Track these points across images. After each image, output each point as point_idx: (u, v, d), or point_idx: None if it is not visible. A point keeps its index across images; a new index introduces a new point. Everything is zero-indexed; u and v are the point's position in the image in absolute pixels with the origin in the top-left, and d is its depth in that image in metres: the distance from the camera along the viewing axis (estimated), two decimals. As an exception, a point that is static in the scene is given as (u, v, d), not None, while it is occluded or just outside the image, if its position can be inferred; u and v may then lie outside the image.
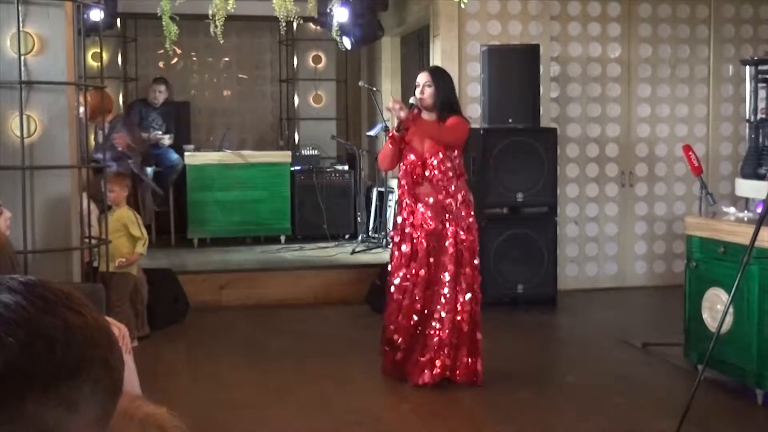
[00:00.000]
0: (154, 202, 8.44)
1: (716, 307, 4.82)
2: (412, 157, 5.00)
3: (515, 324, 6.56)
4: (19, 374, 0.86)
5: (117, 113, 7.98)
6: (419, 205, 4.99)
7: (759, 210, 4.71)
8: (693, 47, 7.94)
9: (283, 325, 6.52)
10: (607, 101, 7.81)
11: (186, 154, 8.79)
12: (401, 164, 5.08)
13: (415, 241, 4.99)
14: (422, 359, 4.93)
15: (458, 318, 4.92)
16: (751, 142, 5.35)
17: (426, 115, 5.07)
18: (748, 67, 5.38)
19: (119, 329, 2.87)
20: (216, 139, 9.79)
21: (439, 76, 5.11)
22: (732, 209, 5.36)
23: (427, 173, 4.96)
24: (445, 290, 4.91)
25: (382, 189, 8.84)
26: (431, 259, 4.95)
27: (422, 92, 5.04)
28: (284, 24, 6.14)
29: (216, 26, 5.87)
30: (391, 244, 5.28)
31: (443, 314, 4.91)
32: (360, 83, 9.00)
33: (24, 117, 4.92)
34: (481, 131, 6.87)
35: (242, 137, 10.49)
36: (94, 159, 6.20)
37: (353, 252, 8.23)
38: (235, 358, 5.61)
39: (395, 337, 5.01)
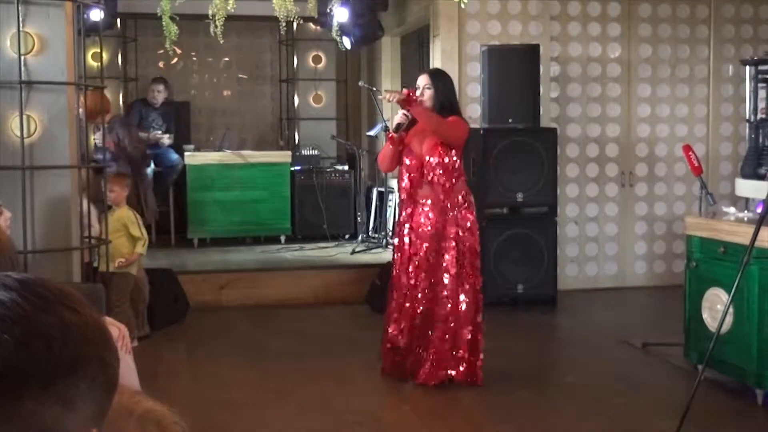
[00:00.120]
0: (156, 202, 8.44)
1: (716, 307, 4.82)
2: (411, 162, 4.99)
3: (515, 324, 6.56)
4: (16, 372, 0.86)
5: (115, 113, 7.98)
6: (419, 206, 4.99)
7: (759, 210, 4.71)
8: (693, 47, 7.95)
9: (283, 325, 6.52)
10: (607, 101, 7.81)
11: (186, 154, 8.79)
12: (401, 166, 5.08)
13: (415, 242, 4.99)
14: (425, 359, 4.92)
15: (459, 319, 4.92)
16: (751, 142, 5.35)
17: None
18: (748, 67, 5.38)
19: (119, 329, 2.87)
20: (216, 139, 9.78)
21: (439, 78, 5.11)
22: (732, 209, 5.36)
23: (426, 174, 4.96)
24: (446, 292, 4.91)
25: (382, 189, 8.84)
26: (432, 261, 4.95)
27: (422, 94, 5.04)
28: (284, 24, 6.14)
29: (216, 26, 5.86)
30: (392, 246, 5.28)
31: (444, 315, 4.91)
32: (360, 83, 8.98)
33: (24, 117, 4.92)
34: (481, 131, 6.87)
35: (242, 137, 10.49)
36: (94, 159, 6.20)
37: (353, 252, 8.23)
38: (235, 358, 5.61)
39: (397, 338, 5.01)
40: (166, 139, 8.92)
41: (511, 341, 6.02)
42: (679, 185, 7.95)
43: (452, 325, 4.91)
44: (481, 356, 4.97)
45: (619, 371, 5.34)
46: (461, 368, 4.94)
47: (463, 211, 4.98)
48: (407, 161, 5.01)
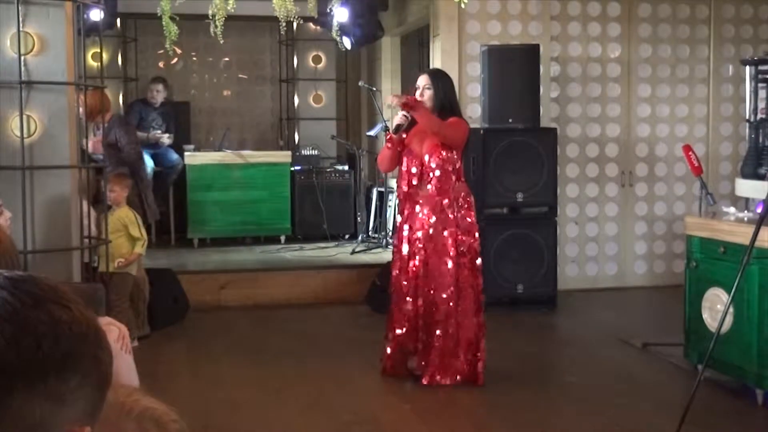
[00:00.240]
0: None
1: (716, 307, 4.82)
2: (411, 162, 4.99)
3: (515, 324, 6.56)
4: (6, 370, 0.86)
5: (115, 113, 7.96)
6: (418, 207, 4.99)
7: (759, 210, 4.71)
8: (693, 47, 7.95)
9: (283, 325, 6.52)
10: (607, 101, 7.81)
11: (186, 154, 8.79)
12: (400, 166, 5.08)
13: (415, 243, 4.99)
14: (430, 361, 4.92)
15: (460, 319, 4.92)
16: (751, 142, 5.35)
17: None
18: (748, 67, 5.38)
19: (119, 329, 2.87)
20: (216, 139, 9.78)
21: (439, 79, 5.11)
22: (732, 209, 5.36)
23: (426, 175, 4.96)
24: (446, 292, 4.91)
25: (382, 189, 8.84)
26: (432, 261, 4.95)
27: (422, 95, 5.04)
28: (284, 24, 6.14)
29: (216, 26, 5.86)
30: (392, 247, 5.29)
31: (445, 316, 4.91)
32: (360, 83, 9.00)
33: (24, 117, 4.92)
34: (481, 131, 6.87)
35: (242, 137, 10.49)
36: (94, 159, 6.20)
37: (353, 252, 8.23)
38: (235, 358, 5.61)
39: (398, 339, 5.01)
40: (166, 139, 8.92)
41: (511, 341, 6.02)
42: (679, 185, 7.95)
43: (453, 325, 4.91)
44: (482, 356, 4.97)
45: (619, 371, 5.34)
46: (463, 368, 4.94)
47: (463, 212, 4.98)
48: (407, 162, 5.01)
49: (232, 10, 5.80)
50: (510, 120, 6.95)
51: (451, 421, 4.50)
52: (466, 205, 5.00)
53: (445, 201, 4.94)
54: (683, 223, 5.53)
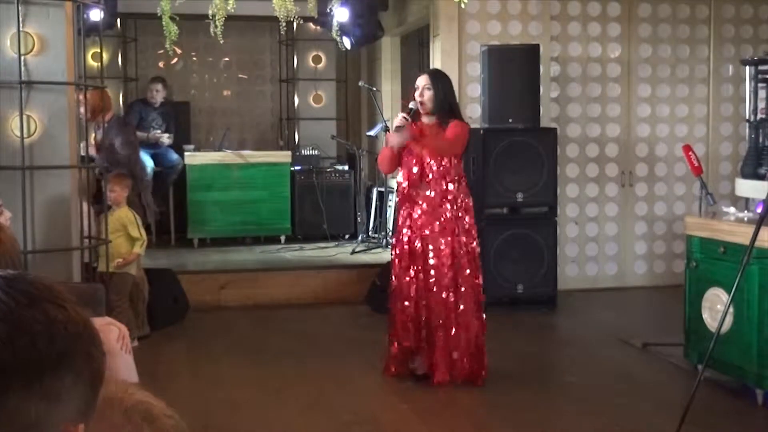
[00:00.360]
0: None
1: (716, 307, 4.82)
2: (411, 163, 5.00)
3: (515, 324, 6.56)
4: (2, 369, 0.86)
5: (114, 113, 7.96)
6: (417, 208, 4.99)
7: (759, 210, 4.71)
8: (693, 47, 7.94)
9: (283, 325, 6.52)
10: (607, 101, 7.81)
11: (186, 154, 8.79)
12: (400, 167, 5.08)
13: (414, 243, 4.98)
14: (436, 362, 4.92)
15: (460, 319, 4.92)
16: (751, 142, 5.35)
17: (426, 119, 5.08)
18: (748, 67, 5.38)
19: (119, 329, 2.88)
20: (216, 139, 9.78)
21: (438, 79, 5.11)
22: (732, 209, 5.36)
23: (426, 175, 4.96)
24: (447, 293, 4.91)
25: (382, 189, 8.84)
26: (432, 262, 4.95)
27: (422, 95, 5.04)
28: (284, 24, 6.14)
29: (216, 26, 5.87)
30: (392, 247, 5.29)
31: (446, 316, 4.91)
32: (360, 83, 9.00)
33: (24, 117, 4.92)
34: (481, 131, 6.87)
35: (242, 137, 10.50)
36: (93, 159, 6.20)
37: (353, 252, 8.23)
38: (235, 358, 5.61)
39: (399, 339, 5.01)
40: (166, 139, 8.92)
41: (511, 341, 6.02)
42: (679, 185, 7.95)
43: (454, 325, 4.91)
44: (484, 356, 4.97)
45: (619, 371, 5.34)
46: (462, 369, 4.94)
47: (462, 212, 4.98)
48: (407, 162, 5.01)
49: (232, 10, 5.80)
50: (510, 120, 6.95)
51: (451, 421, 4.50)
52: (465, 207, 5.00)
53: (444, 203, 4.94)
54: (683, 223, 5.53)
